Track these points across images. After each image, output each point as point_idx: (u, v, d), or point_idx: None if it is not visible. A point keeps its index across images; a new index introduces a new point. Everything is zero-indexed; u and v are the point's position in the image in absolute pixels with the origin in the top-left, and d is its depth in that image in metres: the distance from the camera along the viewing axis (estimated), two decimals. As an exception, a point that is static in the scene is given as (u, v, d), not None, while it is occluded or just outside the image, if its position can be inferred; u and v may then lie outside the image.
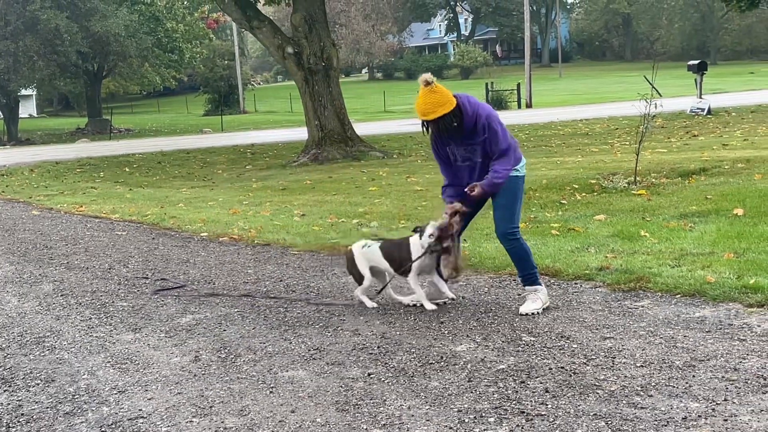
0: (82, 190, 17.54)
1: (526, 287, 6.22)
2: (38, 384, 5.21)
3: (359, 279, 6.54)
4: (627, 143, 18.68)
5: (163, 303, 7.10)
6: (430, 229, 6.22)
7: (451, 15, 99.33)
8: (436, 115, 5.91)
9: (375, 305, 6.51)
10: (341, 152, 21.31)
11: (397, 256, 6.42)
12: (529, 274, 6.19)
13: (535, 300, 6.13)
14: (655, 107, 11.90)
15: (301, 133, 26.87)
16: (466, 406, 4.38)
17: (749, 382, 4.45)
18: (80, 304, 7.28)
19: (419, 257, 6.30)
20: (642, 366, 4.79)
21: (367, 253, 6.53)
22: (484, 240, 8.61)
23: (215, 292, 7.40)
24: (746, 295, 5.96)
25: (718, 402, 4.21)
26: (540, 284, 6.20)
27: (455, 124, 5.96)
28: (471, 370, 4.90)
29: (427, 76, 6.03)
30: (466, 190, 6.17)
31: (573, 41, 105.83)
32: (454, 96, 6.04)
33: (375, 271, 6.54)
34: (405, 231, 9.34)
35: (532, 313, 6.04)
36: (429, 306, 6.35)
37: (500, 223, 6.19)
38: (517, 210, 6.23)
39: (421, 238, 6.29)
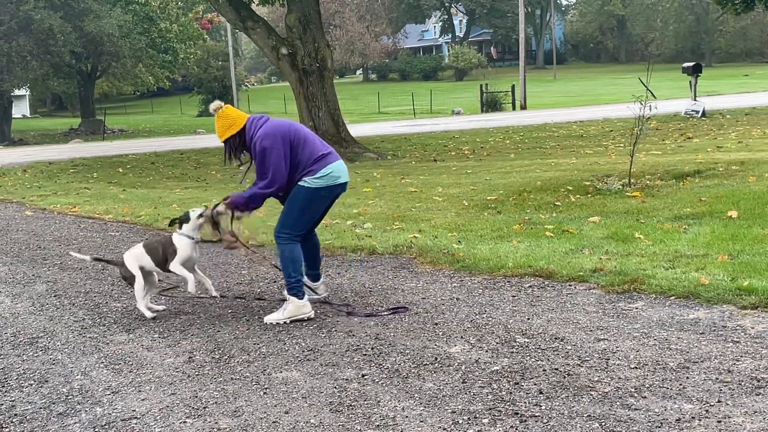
0: (75, 190, 17.50)
1: (286, 293, 6.37)
2: (32, 384, 5.20)
3: (131, 281, 6.63)
4: (621, 145, 18.71)
5: (157, 303, 7.08)
6: (198, 210, 6.59)
7: (446, 16, 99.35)
8: (222, 138, 6.30)
9: (151, 315, 6.61)
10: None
11: (161, 253, 6.54)
12: (287, 282, 6.31)
13: (282, 311, 6.30)
14: (650, 109, 11.91)
15: (295, 134, 26.79)
16: (460, 407, 4.37)
17: (743, 383, 4.45)
18: (74, 304, 7.26)
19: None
20: (636, 367, 4.79)
21: (136, 254, 6.63)
22: (477, 242, 8.61)
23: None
24: (740, 297, 5.97)
25: (712, 404, 4.21)
26: (295, 296, 6.26)
27: (239, 148, 6.30)
28: (465, 372, 4.90)
29: (214, 104, 6.37)
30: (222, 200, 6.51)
31: (568, 43, 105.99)
32: (251, 117, 6.34)
33: (146, 273, 6.68)
34: (399, 232, 9.36)
35: (270, 322, 6.23)
36: (192, 288, 6.51)
37: (276, 225, 6.39)
38: (292, 217, 6.30)
39: (181, 228, 6.52)
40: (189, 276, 6.52)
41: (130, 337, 6.14)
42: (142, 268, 6.58)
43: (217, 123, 6.30)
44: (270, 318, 6.29)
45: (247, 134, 6.24)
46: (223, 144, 6.35)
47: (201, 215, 6.53)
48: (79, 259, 7.63)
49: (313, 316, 6.30)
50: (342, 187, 6.47)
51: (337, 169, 6.35)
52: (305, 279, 6.60)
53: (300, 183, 6.23)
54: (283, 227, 6.33)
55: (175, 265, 6.48)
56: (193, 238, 6.55)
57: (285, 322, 6.21)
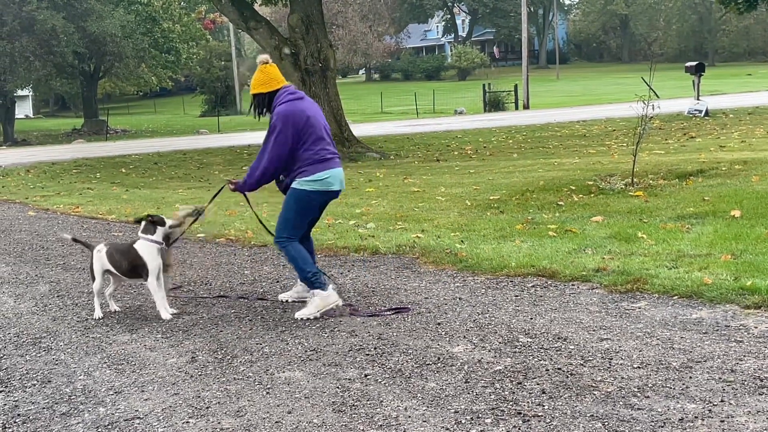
0: (78, 190, 17.51)
1: (310, 290, 6.40)
2: (35, 384, 5.20)
3: (92, 279, 6.78)
4: (624, 145, 18.69)
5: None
6: (172, 221, 6.71)
7: (449, 16, 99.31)
8: (252, 91, 6.42)
9: (101, 315, 6.73)
10: (338, 153, 21.29)
11: (124, 260, 6.58)
12: (304, 279, 6.37)
13: (309, 305, 6.35)
14: (653, 109, 11.90)
15: (298, 134, 26.80)
16: (462, 407, 4.37)
17: (746, 383, 4.45)
18: (76, 304, 7.27)
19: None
20: (639, 367, 4.79)
21: (101, 257, 6.68)
22: (480, 241, 8.61)
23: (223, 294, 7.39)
24: (743, 297, 5.96)
25: (715, 403, 4.21)
26: (322, 289, 6.30)
27: (264, 107, 6.40)
28: (468, 371, 4.90)
29: (264, 57, 6.46)
30: (226, 183, 6.76)
31: (570, 42, 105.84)
32: (285, 87, 6.38)
33: (115, 277, 6.82)
34: (402, 232, 9.35)
35: (302, 318, 6.27)
36: (166, 315, 6.57)
37: (276, 228, 6.45)
38: (287, 219, 6.35)
39: (154, 232, 6.56)
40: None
41: (133, 337, 6.15)
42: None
43: (255, 75, 6.38)
44: (301, 314, 6.32)
45: (274, 100, 6.31)
46: (251, 95, 6.47)
47: (171, 227, 6.68)
48: (62, 238, 7.72)
49: (341, 303, 6.36)
50: (335, 194, 6.48)
51: (333, 176, 6.35)
52: (296, 285, 6.72)
53: (294, 185, 6.27)
54: (282, 232, 6.38)
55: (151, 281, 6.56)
56: (161, 244, 6.60)
57: (316, 317, 6.26)
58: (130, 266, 6.55)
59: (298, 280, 6.70)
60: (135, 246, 6.57)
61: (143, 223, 6.65)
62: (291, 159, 6.23)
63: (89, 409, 4.72)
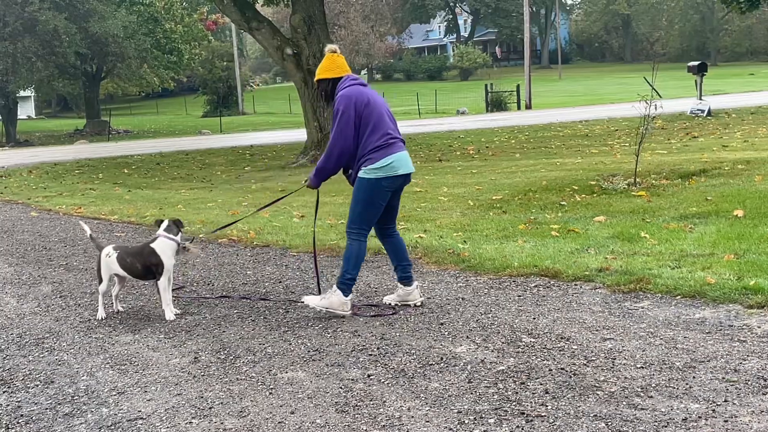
0: (80, 191, 17.52)
1: (334, 284, 6.35)
2: (37, 385, 5.20)
3: (99, 281, 6.76)
4: (627, 145, 18.68)
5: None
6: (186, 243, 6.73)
7: (451, 16, 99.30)
8: (317, 77, 6.43)
9: (104, 315, 6.72)
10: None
11: (138, 262, 6.55)
12: (341, 275, 6.29)
13: (324, 297, 6.31)
14: (655, 108, 11.90)
15: (300, 135, 26.87)
16: (466, 407, 4.37)
17: (749, 383, 4.44)
18: (79, 305, 7.27)
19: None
20: (642, 367, 4.78)
21: (109, 263, 6.65)
22: (483, 241, 8.61)
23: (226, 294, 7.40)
24: (746, 297, 5.95)
25: (719, 403, 4.20)
26: (344, 294, 6.25)
27: (327, 93, 6.42)
28: (471, 371, 4.90)
29: (333, 46, 6.50)
30: (303, 181, 6.75)
31: (572, 42, 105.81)
32: (349, 75, 6.37)
33: (121, 279, 6.81)
34: (405, 232, 9.34)
35: (308, 305, 6.34)
36: (170, 315, 6.56)
37: (347, 220, 6.39)
38: (357, 212, 6.27)
39: (177, 233, 6.58)
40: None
41: (136, 337, 6.15)
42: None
43: (325, 61, 6.41)
44: (308, 300, 6.34)
45: (338, 86, 6.32)
46: (316, 81, 6.51)
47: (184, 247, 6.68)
48: (82, 228, 7.68)
49: (349, 315, 6.28)
50: (404, 178, 6.32)
51: (398, 160, 6.19)
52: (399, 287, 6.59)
53: (360, 175, 6.17)
54: (352, 222, 6.29)
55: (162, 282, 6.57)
56: (179, 244, 6.63)
57: (321, 311, 6.27)
58: (145, 267, 6.52)
59: (399, 283, 6.53)
60: (152, 245, 6.54)
61: (166, 222, 6.64)
62: (356, 147, 6.15)
63: (92, 409, 4.72)
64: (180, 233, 6.64)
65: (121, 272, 6.64)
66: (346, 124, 6.08)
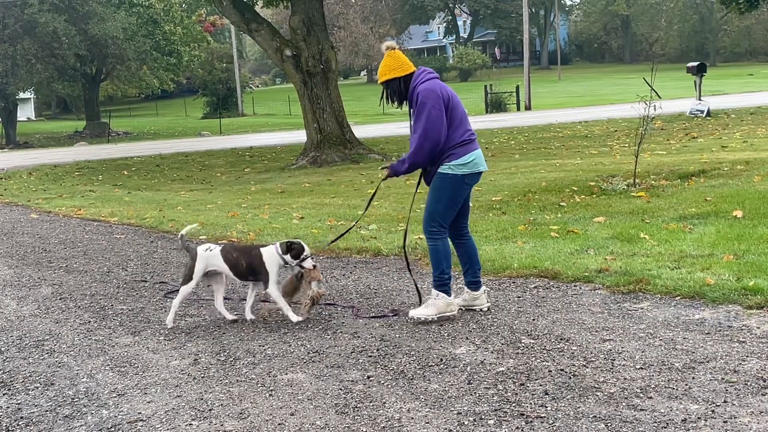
0: (80, 193, 17.53)
1: (432, 290, 6.18)
2: (38, 387, 5.20)
3: (187, 280, 6.44)
4: (626, 145, 18.69)
5: (162, 306, 7.10)
6: (309, 263, 6.34)
7: (450, 17, 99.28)
8: (384, 77, 6.14)
9: (172, 325, 6.45)
10: (340, 155, 21.30)
11: (244, 260, 6.40)
12: (436, 278, 6.14)
13: (429, 306, 6.10)
14: (654, 109, 11.90)
15: (299, 136, 26.88)
16: (465, 408, 4.37)
17: (749, 383, 4.44)
18: (79, 307, 7.27)
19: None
20: (641, 368, 4.78)
21: (208, 257, 6.43)
22: (482, 242, 8.61)
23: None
24: (746, 297, 5.95)
25: (718, 404, 4.20)
26: (445, 293, 6.09)
27: (401, 89, 6.12)
28: (470, 373, 4.90)
29: (390, 42, 6.23)
30: (380, 168, 6.42)
31: (572, 43, 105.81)
32: (423, 68, 6.17)
33: (211, 276, 6.52)
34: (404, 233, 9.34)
35: (418, 318, 6.04)
36: (294, 318, 6.33)
37: (424, 219, 6.16)
38: (439, 210, 6.06)
39: (285, 254, 6.32)
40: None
41: (136, 339, 6.15)
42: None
43: (384, 61, 6.13)
44: (417, 313, 6.09)
45: (411, 83, 6.08)
46: (381, 84, 6.20)
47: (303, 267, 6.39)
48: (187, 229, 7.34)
49: (457, 316, 6.14)
50: (480, 175, 6.20)
51: (479, 157, 6.09)
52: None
53: (443, 170, 5.99)
54: (432, 220, 6.08)
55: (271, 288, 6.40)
56: (286, 263, 6.40)
57: (433, 319, 6.03)
58: (249, 267, 6.36)
59: (467, 287, 6.35)
60: (261, 249, 6.41)
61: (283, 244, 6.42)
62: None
63: (92, 411, 4.72)
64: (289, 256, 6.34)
65: (223, 267, 6.41)
66: (438, 118, 5.88)
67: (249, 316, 6.49)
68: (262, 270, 6.33)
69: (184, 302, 7.15)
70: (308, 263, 6.33)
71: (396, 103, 6.17)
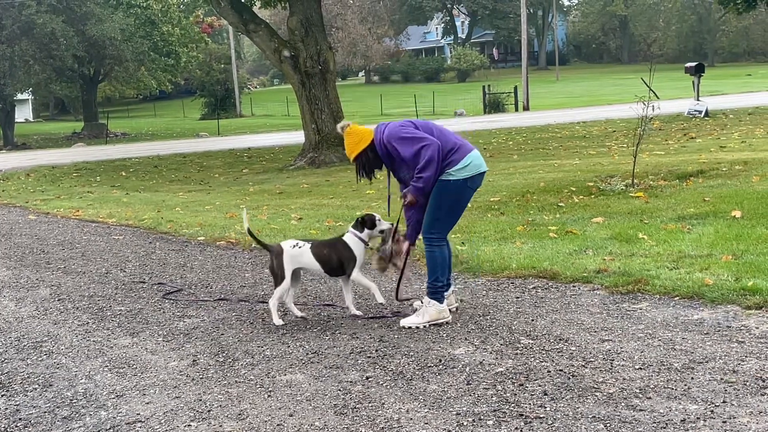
0: (78, 194, 17.52)
1: (425, 297, 6.13)
2: (36, 388, 5.20)
3: (280, 279, 6.25)
4: (624, 146, 18.69)
5: (161, 307, 7.09)
6: (386, 224, 6.30)
7: (448, 18, 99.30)
8: (352, 157, 6.12)
9: (281, 323, 6.28)
10: (338, 155, 21.28)
11: (334, 255, 6.29)
12: (430, 285, 6.10)
13: (420, 314, 6.05)
14: (653, 109, 11.90)
15: (297, 137, 26.87)
16: (464, 409, 4.37)
17: (748, 383, 4.44)
18: (77, 308, 7.27)
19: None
20: (640, 368, 4.78)
21: (297, 254, 6.28)
22: (481, 243, 8.61)
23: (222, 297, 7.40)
24: (744, 297, 5.95)
25: (717, 404, 4.20)
26: (437, 301, 6.03)
27: (372, 156, 6.07)
28: (469, 373, 4.90)
29: (341, 123, 6.19)
30: (399, 198, 6.20)
31: (570, 44, 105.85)
32: (376, 127, 6.12)
33: (295, 275, 6.35)
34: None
35: (410, 327, 5.97)
36: (380, 299, 6.29)
37: (424, 226, 6.12)
38: (439, 216, 6.02)
39: (362, 231, 6.29)
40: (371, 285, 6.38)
41: (134, 340, 6.14)
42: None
43: (346, 141, 6.12)
44: (408, 321, 6.02)
45: (377, 145, 6.02)
46: (353, 162, 6.18)
47: (383, 231, 6.32)
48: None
49: (451, 320, 6.09)
50: (483, 176, 6.13)
51: (477, 157, 6.02)
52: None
53: (444, 177, 5.91)
54: (432, 228, 6.04)
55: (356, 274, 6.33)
56: (367, 244, 6.36)
57: (424, 326, 5.96)
58: (339, 261, 6.28)
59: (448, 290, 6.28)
60: (344, 238, 6.34)
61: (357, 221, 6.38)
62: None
63: (91, 412, 4.72)
64: (366, 230, 6.31)
65: (315, 265, 6.30)
66: (422, 133, 5.86)
67: (354, 311, 6.39)
68: (351, 258, 6.25)
69: (184, 303, 7.17)
70: (385, 224, 6.30)
71: (367, 176, 6.20)
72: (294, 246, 6.30)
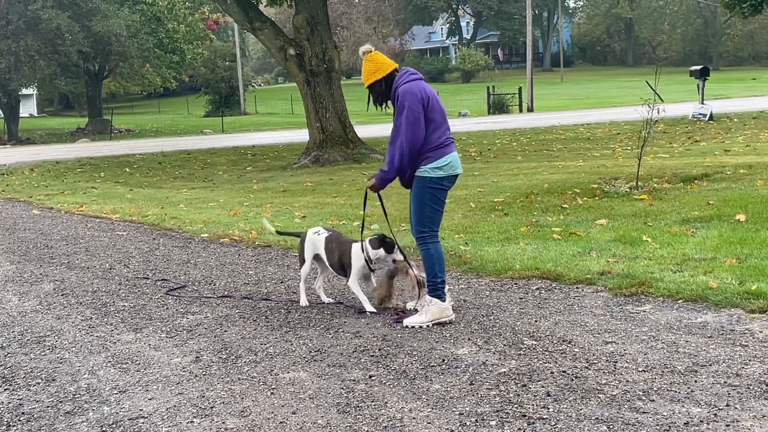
0: (82, 189, 17.54)
1: (425, 296, 6.12)
2: (39, 383, 5.20)
3: (301, 262, 6.73)
4: (629, 148, 18.67)
5: (164, 303, 7.10)
6: (398, 255, 6.38)
7: (453, 18, 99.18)
8: (367, 82, 6.20)
9: (307, 303, 6.69)
10: (342, 154, 21.30)
11: (337, 252, 6.51)
12: (429, 283, 6.10)
13: (423, 313, 6.04)
14: (657, 112, 11.89)
15: (302, 135, 26.88)
16: (467, 409, 4.37)
17: (751, 387, 4.44)
18: (81, 303, 7.27)
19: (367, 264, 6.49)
20: (644, 371, 4.78)
21: (315, 240, 6.63)
22: (485, 244, 8.61)
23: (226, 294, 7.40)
24: (748, 301, 5.95)
25: (720, 407, 4.20)
26: (438, 298, 6.03)
27: (383, 90, 6.16)
28: (472, 373, 4.89)
29: (364, 47, 6.27)
30: (366, 180, 6.31)
31: (575, 46, 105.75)
32: (406, 69, 6.16)
33: (320, 261, 6.69)
34: (406, 234, 9.34)
35: (413, 326, 5.97)
36: (368, 308, 6.41)
37: (413, 225, 6.18)
38: (424, 213, 6.08)
39: (377, 248, 6.38)
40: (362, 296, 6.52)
41: (138, 336, 6.15)
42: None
43: (364, 66, 6.19)
44: (411, 321, 6.02)
45: (393, 83, 6.09)
46: (368, 89, 6.24)
47: (395, 261, 6.42)
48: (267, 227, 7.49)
49: (454, 319, 6.09)
50: (456, 178, 6.20)
51: (455, 160, 6.08)
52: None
53: (420, 174, 6.00)
54: (421, 225, 6.09)
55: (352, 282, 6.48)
56: (370, 263, 6.45)
57: (427, 326, 5.96)
58: (340, 261, 6.45)
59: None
60: (353, 244, 6.49)
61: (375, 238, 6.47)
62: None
63: (93, 408, 4.72)
64: (382, 251, 6.40)
65: (323, 254, 6.54)
66: (417, 120, 5.88)
67: (369, 309, 6.47)
68: (348, 265, 6.42)
69: (187, 300, 7.17)
70: (399, 256, 6.37)
71: (379, 106, 6.25)
72: (315, 233, 6.66)
